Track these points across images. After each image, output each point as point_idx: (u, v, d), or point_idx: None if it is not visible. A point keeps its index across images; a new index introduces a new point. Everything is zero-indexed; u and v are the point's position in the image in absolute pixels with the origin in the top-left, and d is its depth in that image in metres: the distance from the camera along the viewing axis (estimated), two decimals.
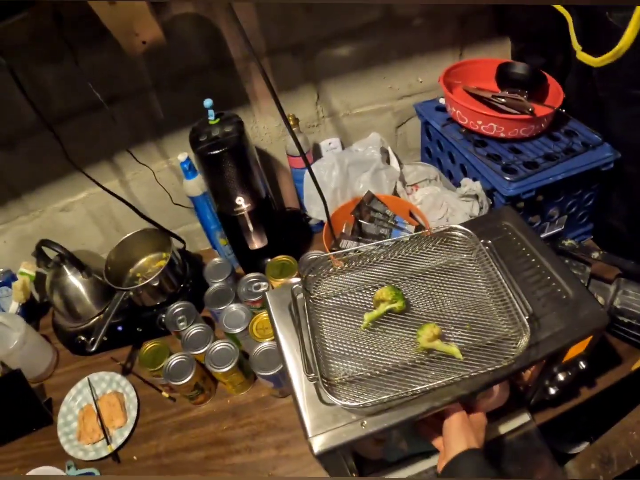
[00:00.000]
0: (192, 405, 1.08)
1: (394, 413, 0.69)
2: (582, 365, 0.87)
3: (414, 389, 0.67)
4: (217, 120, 1.02)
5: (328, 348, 0.76)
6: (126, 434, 1.05)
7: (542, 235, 1.15)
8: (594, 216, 1.22)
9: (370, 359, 0.74)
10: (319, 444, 0.67)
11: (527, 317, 0.72)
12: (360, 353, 0.75)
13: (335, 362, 0.74)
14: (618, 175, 1.09)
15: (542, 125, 1.10)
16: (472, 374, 0.68)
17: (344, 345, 0.76)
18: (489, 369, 0.69)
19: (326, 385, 0.69)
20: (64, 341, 1.22)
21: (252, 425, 1.03)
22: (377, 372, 0.72)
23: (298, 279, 1.05)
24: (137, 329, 1.17)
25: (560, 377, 0.88)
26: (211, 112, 1.01)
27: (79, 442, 1.06)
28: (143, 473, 1.01)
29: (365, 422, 0.68)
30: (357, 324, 0.78)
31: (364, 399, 0.68)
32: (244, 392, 1.08)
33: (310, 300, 0.82)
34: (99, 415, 1.08)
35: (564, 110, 1.10)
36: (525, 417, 0.97)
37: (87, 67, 1.03)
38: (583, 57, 0.98)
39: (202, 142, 0.98)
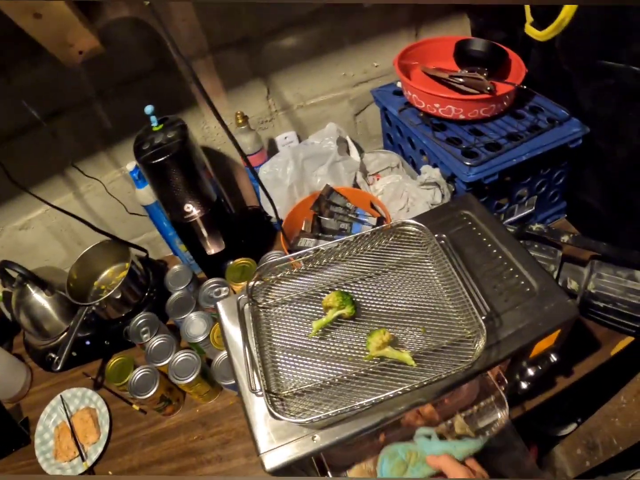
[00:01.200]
0: (162, 416, 1.03)
1: (346, 425, 0.64)
2: (554, 358, 0.81)
3: (362, 402, 0.62)
4: (161, 126, 0.95)
5: (277, 359, 0.71)
6: (100, 449, 1.02)
7: (513, 218, 1.08)
8: (567, 194, 1.14)
9: (321, 369, 0.69)
10: (270, 460, 0.63)
11: (483, 318, 0.66)
12: (310, 363, 0.69)
13: (285, 374, 0.69)
14: (589, 151, 1.01)
15: (504, 103, 1.02)
16: (424, 382, 0.63)
17: (294, 356, 0.71)
18: (443, 375, 0.63)
19: (274, 399, 0.65)
20: (35, 359, 1.18)
21: (222, 434, 0.99)
22: (328, 382, 0.67)
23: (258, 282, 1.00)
24: (105, 342, 1.12)
25: (530, 372, 0.82)
26: (153, 119, 0.94)
27: (56, 461, 1.04)
28: None
29: (317, 436, 0.64)
30: (308, 332, 0.73)
31: (314, 412, 0.63)
32: (212, 400, 1.03)
33: (259, 310, 0.77)
34: (73, 433, 1.04)
35: (525, 87, 1.02)
36: (497, 414, 0.91)
37: (25, 83, 0.98)
38: (530, 30, 0.89)
39: (145, 150, 0.92)
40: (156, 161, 0.90)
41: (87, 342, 1.12)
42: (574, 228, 1.15)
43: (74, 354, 1.10)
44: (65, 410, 1.09)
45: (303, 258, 0.80)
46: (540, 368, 0.82)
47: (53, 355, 1.13)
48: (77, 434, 1.04)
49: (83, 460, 1.01)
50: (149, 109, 0.93)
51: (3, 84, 0.95)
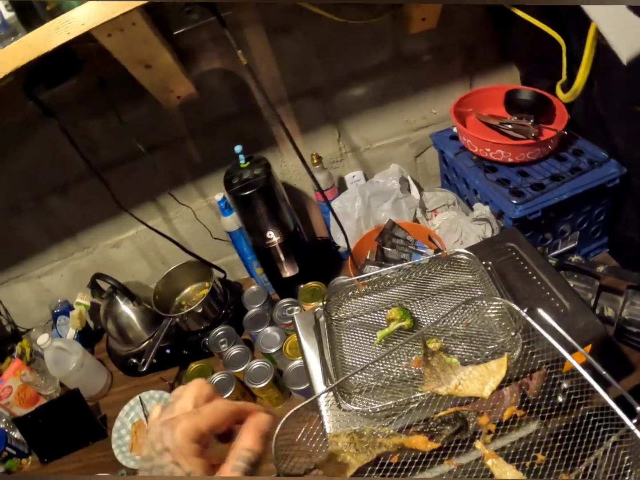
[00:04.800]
0: None
1: (403, 416, 0.85)
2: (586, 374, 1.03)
3: (415, 395, 0.85)
4: (247, 163, 1.25)
5: (347, 362, 0.94)
6: None
7: (557, 251, 1.32)
8: (609, 230, 1.35)
9: (383, 371, 0.93)
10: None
11: (520, 331, 0.90)
12: (373, 366, 0.92)
13: (353, 375, 0.94)
14: (627, 189, 1.23)
15: (549, 147, 1.26)
16: None
17: (360, 360, 0.94)
18: None
19: (343, 393, 0.88)
20: (117, 364, 1.47)
21: (287, 436, 1.23)
22: (388, 382, 0.89)
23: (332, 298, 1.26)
24: (184, 351, 1.40)
25: (565, 384, 1.04)
26: (241, 157, 1.24)
27: (131, 453, 1.27)
28: None
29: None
30: (372, 340, 0.97)
31: (376, 404, 0.86)
32: (280, 406, 1.27)
33: (332, 321, 1.02)
34: None
35: (567, 132, 1.25)
36: (536, 425, 1.12)
37: (129, 121, 1.27)
38: (558, 92, 1.17)
39: (234, 184, 1.22)
40: (245, 194, 1.19)
41: (167, 351, 1.40)
42: (615, 261, 1.35)
43: (154, 360, 1.38)
44: (143, 409, 1.34)
45: (369, 280, 1.07)
46: (573, 382, 1.04)
47: (135, 361, 1.41)
48: None
49: None
50: (238, 148, 1.23)
51: (114, 118, 1.26)
